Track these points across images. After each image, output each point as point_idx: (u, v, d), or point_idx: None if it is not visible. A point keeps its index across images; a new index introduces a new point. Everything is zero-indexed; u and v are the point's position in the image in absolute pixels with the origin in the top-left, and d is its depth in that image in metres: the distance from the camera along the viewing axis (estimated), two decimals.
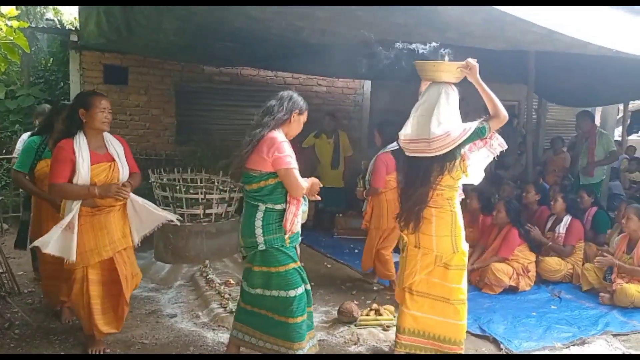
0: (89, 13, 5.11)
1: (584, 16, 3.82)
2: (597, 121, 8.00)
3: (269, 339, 3.01)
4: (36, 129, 4.13)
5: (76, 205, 3.08)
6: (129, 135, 7.47)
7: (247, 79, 8.14)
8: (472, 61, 3.05)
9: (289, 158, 2.87)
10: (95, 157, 3.14)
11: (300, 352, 2.92)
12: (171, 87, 7.65)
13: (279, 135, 2.92)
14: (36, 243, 3.08)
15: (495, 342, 3.64)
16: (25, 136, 4.32)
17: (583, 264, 5.01)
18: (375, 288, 4.82)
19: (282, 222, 2.92)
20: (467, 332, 3.75)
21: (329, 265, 5.53)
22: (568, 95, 7.68)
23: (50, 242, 3.03)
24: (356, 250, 5.94)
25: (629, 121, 11.30)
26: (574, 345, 3.63)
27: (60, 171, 3.05)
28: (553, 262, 4.99)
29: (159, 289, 4.57)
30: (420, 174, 3.08)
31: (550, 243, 5.12)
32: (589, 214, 5.60)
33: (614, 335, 3.82)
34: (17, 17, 3.55)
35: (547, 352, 3.51)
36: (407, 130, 3.12)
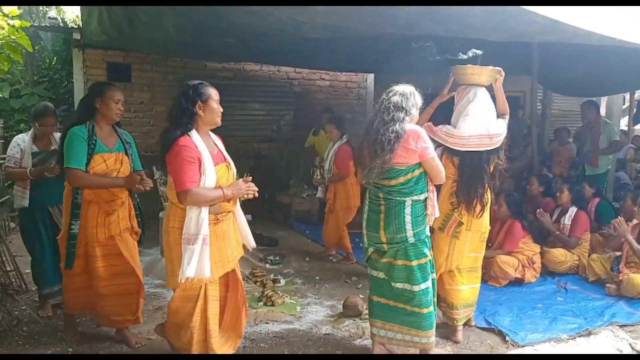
0: (91, 11, 5.11)
1: (587, 7, 3.79)
2: (603, 111, 7.94)
3: (408, 331, 3.14)
4: (75, 118, 3.29)
5: (204, 213, 2.68)
6: (134, 133, 7.43)
7: (250, 74, 8.14)
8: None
9: (432, 147, 3.04)
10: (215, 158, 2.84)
11: (432, 340, 3.14)
12: (175, 83, 7.66)
13: (418, 127, 3.07)
14: (183, 275, 2.62)
15: (500, 334, 3.64)
16: (20, 138, 3.91)
17: (589, 255, 4.99)
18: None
19: (425, 211, 3.09)
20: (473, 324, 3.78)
21: (334, 260, 5.53)
22: (573, 85, 7.61)
23: (190, 265, 2.62)
24: (361, 244, 5.92)
25: (634, 110, 11.23)
26: (580, 336, 3.62)
27: (193, 174, 2.63)
28: (558, 254, 4.98)
29: (164, 285, 4.58)
30: (481, 165, 3.46)
31: (557, 232, 5.09)
32: (592, 205, 5.59)
33: (621, 326, 3.81)
34: (19, 16, 3.56)
35: (552, 343, 3.51)
36: (467, 129, 3.40)
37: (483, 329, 3.72)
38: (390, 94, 3.08)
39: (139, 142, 7.45)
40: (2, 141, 6.79)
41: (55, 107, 7.86)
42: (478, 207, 3.46)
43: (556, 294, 4.53)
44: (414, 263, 3.04)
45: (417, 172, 3.02)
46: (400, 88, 3.11)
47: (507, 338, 3.57)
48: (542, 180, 5.89)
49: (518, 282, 4.72)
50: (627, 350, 3.41)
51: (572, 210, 5.14)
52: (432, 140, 3.37)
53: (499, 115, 3.56)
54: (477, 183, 3.43)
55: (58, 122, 4.10)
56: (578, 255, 5.04)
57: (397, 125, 2.94)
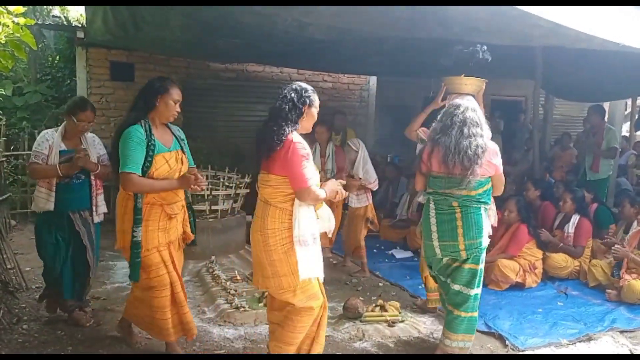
0: (96, 10, 5.12)
1: (590, 11, 3.79)
2: (605, 117, 7.93)
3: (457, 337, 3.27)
4: (132, 114, 3.03)
5: (313, 212, 2.74)
6: None
7: (252, 75, 8.15)
8: None
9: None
10: None
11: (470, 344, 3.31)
12: (178, 83, 7.64)
13: (494, 144, 3.29)
14: (310, 274, 2.69)
15: (500, 338, 3.64)
16: (49, 134, 3.48)
17: (590, 261, 4.99)
18: (380, 284, 4.82)
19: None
20: None
21: (334, 262, 5.53)
22: (575, 90, 7.62)
23: (309, 266, 2.68)
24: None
25: (636, 117, 11.21)
26: (580, 341, 3.61)
27: (309, 171, 2.66)
28: (560, 259, 4.97)
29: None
30: None
31: (562, 244, 5.09)
32: (591, 210, 5.58)
33: (621, 332, 3.80)
34: (23, 14, 3.56)
35: (552, 348, 3.50)
36: None
37: (483, 332, 3.72)
38: (462, 109, 3.21)
39: None
40: (5, 139, 6.80)
41: (57, 106, 7.96)
42: None
43: (557, 299, 4.53)
44: (479, 267, 3.25)
45: (491, 184, 3.29)
46: (469, 104, 3.26)
47: (507, 342, 3.56)
48: (538, 184, 5.88)
49: (519, 286, 4.72)
50: None
51: (575, 218, 5.13)
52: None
53: None
54: None
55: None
56: (579, 261, 5.03)
57: (480, 140, 3.12)
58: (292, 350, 2.83)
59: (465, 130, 3.13)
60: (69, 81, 8.17)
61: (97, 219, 3.73)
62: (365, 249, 5.20)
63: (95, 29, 5.49)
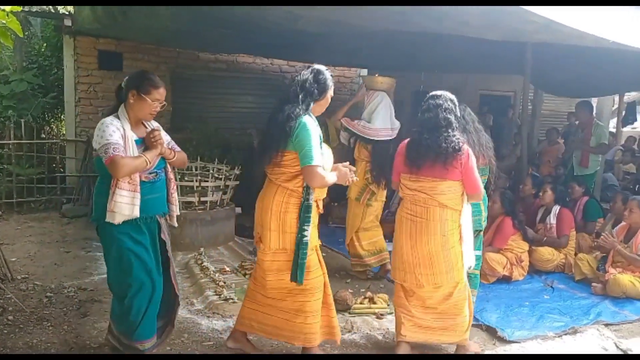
0: None
1: (581, 8, 3.81)
2: (593, 112, 8.02)
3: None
4: (301, 104, 2.85)
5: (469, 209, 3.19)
6: None
7: (243, 66, 8.09)
8: None
9: None
10: None
11: None
12: (166, 73, 7.59)
13: None
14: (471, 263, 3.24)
15: (488, 330, 3.67)
16: (116, 121, 2.72)
17: (576, 254, 5.05)
18: (369, 276, 4.84)
19: None
20: None
21: (323, 254, 5.50)
22: (564, 86, 7.68)
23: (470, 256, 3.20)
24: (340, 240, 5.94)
25: (623, 112, 11.33)
26: (566, 334, 3.65)
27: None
28: (546, 252, 5.02)
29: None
30: (391, 152, 3.89)
31: (546, 238, 5.14)
32: (580, 203, 5.65)
33: (606, 325, 3.85)
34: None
35: (539, 341, 3.54)
36: (378, 124, 4.53)
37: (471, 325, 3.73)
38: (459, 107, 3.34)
39: None
40: None
41: (44, 94, 7.85)
42: (384, 182, 4.51)
43: (543, 292, 4.57)
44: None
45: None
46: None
47: (498, 333, 3.58)
48: (535, 182, 5.92)
49: (506, 279, 4.76)
50: (612, 349, 3.46)
51: (556, 208, 5.18)
52: (350, 131, 4.59)
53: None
54: (385, 163, 4.16)
55: None
56: (565, 254, 5.09)
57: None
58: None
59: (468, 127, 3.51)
60: (55, 70, 8.06)
61: (175, 223, 3.10)
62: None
63: (83, 17, 5.43)
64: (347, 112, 4.71)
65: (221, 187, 5.20)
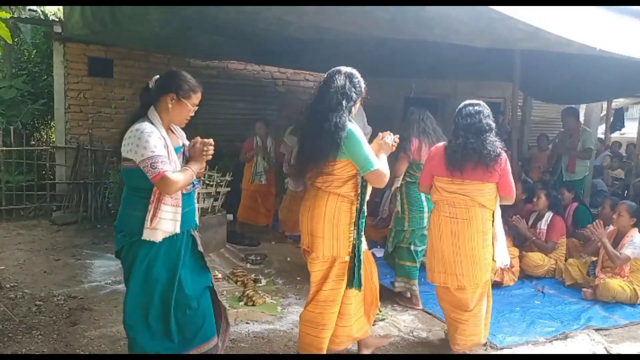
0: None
1: (569, 15, 3.86)
2: (581, 118, 8.10)
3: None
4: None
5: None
6: (114, 129, 7.39)
7: (234, 73, 8.10)
8: None
9: None
10: None
11: None
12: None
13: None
14: (501, 263, 3.45)
15: None
16: (149, 129, 2.44)
17: (566, 260, 5.08)
18: None
19: None
20: None
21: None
22: (552, 92, 7.76)
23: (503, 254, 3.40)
24: None
25: (611, 119, 11.48)
26: (556, 339, 3.67)
27: None
28: (536, 258, 5.05)
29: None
30: None
31: (534, 238, 5.18)
32: (570, 209, 5.69)
33: (596, 329, 3.87)
34: None
35: (530, 346, 3.55)
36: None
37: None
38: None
39: (119, 139, 7.38)
40: None
41: (34, 101, 7.80)
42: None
43: (534, 298, 4.60)
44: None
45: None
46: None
47: (486, 340, 3.59)
48: (526, 187, 5.96)
49: (497, 285, 4.76)
50: (602, 353, 3.48)
51: (549, 215, 5.23)
52: None
53: None
54: None
55: None
56: (555, 260, 5.12)
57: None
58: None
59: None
60: (45, 76, 8.01)
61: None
62: None
63: (72, 24, 5.40)
64: None
65: (212, 194, 5.18)
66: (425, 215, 4.11)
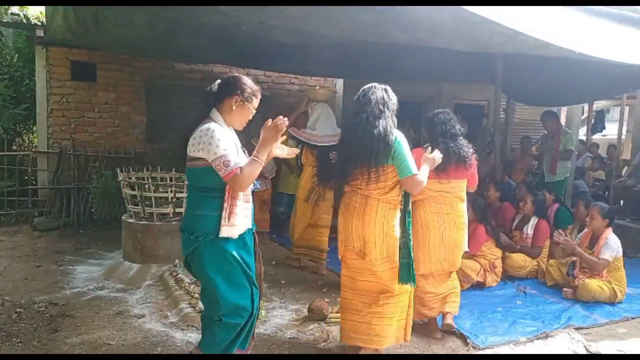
0: (56, 7, 4.99)
1: (549, 18, 3.93)
2: (563, 121, 8.22)
3: None
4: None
5: None
6: (97, 133, 7.36)
7: (218, 77, 8.00)
8: None
9: None
10: None
11: None
12: (141, 84, 7.54)
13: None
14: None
15: (462, 337, 3.70)
16: (219, 128, 2.53)
17: (548, 261, 5.14)
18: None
19: None
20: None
21: (300, 264, 5.53)
22: (534, 95, 7.85)
23: None
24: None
25: (592, 121, 11.65)
26: (537, 339, 3.71)
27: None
28: (519, 259, 5.11)
29: (127, 289, 4.50)
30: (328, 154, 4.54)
31: (519, 246, 5.24)
32: (551, 210, 5.76)
33: (576, 328, 3.92)
34: None
35: (512, 346, 3.59)
36: (321, 130, 5.00)
37: (445, 332, 3.77)
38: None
39: (103, 143, 7.34)
40: None
41: (16, 106, 7.71)
42: (330, 184, 4.45)
43: (516, 298, 4.65)
44: None
45: None
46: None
47: (468, 341, 3.63)
48: (498, 186, 6.04)
49: (479, 285, 4.83)
50: (582, 352, 3.53)
51: (534, 220, 5.29)
52: (297, 139, 5.05)
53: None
54: (329, 166, 4.31)
55: None
56: (537, 261, 5.18)
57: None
58: None
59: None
60: (28, 81, 7.92)
61: None
62: (268, 222, 6.43)
63: (55, 27, 5.35)
64: (292, 122, 5.21)
65: None
66: None
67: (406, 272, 3.09)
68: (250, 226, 2.65)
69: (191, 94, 7.81)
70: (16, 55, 8.36)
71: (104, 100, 7.36)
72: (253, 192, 2.72)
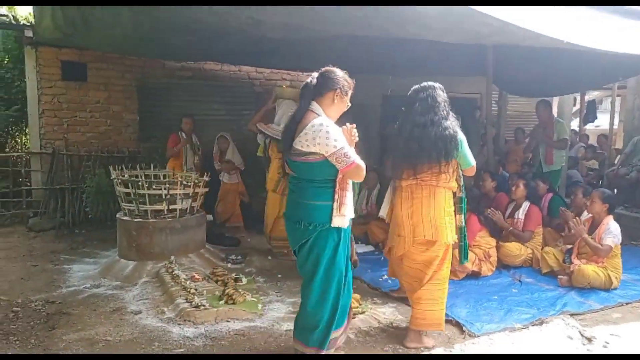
0: (44, 7, 4.97)
1: (538, 9, 3.94)
2: (554, 111, 8.25)
3: None
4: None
5: None
6: (90, 133, 7.34)
7: (210, 74, 8.07)
8: None
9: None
10: None
11: None
12: (132, 82, 7.52)
13: None
14: None
15: (457, 325, 3.73)
16: (330, 122, 2.72)
17: (542, 248, 5.18)
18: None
19: None
20: None
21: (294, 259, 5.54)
22: (526, 86, 7.89)
23: None
24: None
25: (584, 111, 11.71)
26: (533, 325, 3.74)
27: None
28: (513, 247, 5.14)
29: (123, 286, 4.50)
30: None
31: (511, 228, 5.27)
32: (545, 199, 5.80)
33: (571, 314, 3.96)
34: None
35: (507, 333, 3.62)
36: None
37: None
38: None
39: (96, 143, 7.32)
40: None
41: (7, 107, 7.68)
42: None
43: (511, 286, 4.68)
44: None
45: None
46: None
47: (464, 329, 3.66)
48: (494, 176, 6.07)
49: (475, 275, 4.85)
50: (577, 337, 3.55)
51: (526, 205, 5.32)
52: (264, 134, 5.39)
53: None
54: None
55: None
56: (532, 249, 5.22)
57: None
58: None
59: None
60: (18, 82, 7.89)
61: None
62: (241, 216, 6.86)
63: (44, 27, 5.34)
64: (260, 118, 5.61)
65: (190, 195, 5.17)
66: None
67: (465, 252, 3.62)
68: (353, 216, 2.82)
69: (182, 91, 7.83)
70: (6, 57, 8.32)
71: (95, 99, 7.34)
72: None
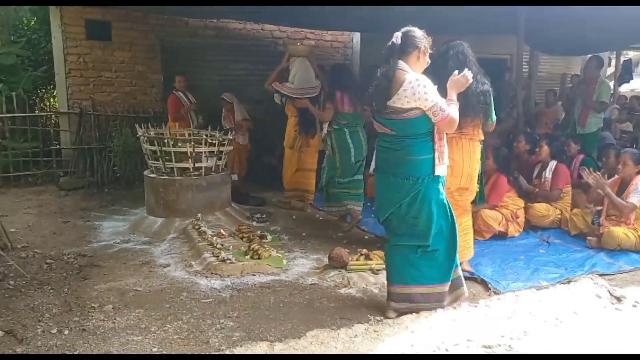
0: None
1: None
2: (601, 69, 7.79)
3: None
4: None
5: None
6: (115, 93, 7.39)
7: (233, 33, 7.97)
8: None
9: None
10: None
11: None
12: (156, 42, 7.49)
13: None
14: None
15: (483, 282, 3.71)
16: (425, 77, 2.92)
17: (571, 209, 5.07)
18: (366, 237, 4.88)
19: None
20: None
21: (320, 218, 5.57)
22: (559, 43, 7.58)
23: None
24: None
25: (619, 72, 11.25)
26: (560, 284, 3.70)
27: None
28: (542, 208, 5.05)
29: (152, 242, 4.60)
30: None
31: (537, 190, 5.17)
32: (577, 160, 5.64)
33: (600, 275, 3.89)
34: None
35: (533, 290, 3.58)
36: (299, 84, 5.55)
37: (466, 278, 3.74)
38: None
39: (121, 103, 7.37)
40: None
41: (35, 68, 7.76)
42: (312, 132, 5.67)
43: (539, 247, 4.62)
44: None
45: None
46: None
47: (489, 286, 3.64)
48: (529, 138, 5.90)
49: (502, 235, 4.80)
50: (606, 296, 3.49)
51: (552, 163, 5.19)
52: (280, 93, 5.63)
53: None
54: (310, 116, 5.52)
55: None
56: (561, 210, 5.12)
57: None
58: None
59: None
60: (45, 43, 7.95)
61: None
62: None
63: None
64: (275, 77, 5.65)
65: (215, 153, 5.19)
66: (352, 154, 5.01)
67: (482, 195, 3.97)
68: (448, 164, 3.03)
69: (205, 51, 7.76)
70: (33, 18, 8.37)
71: (120, 59, 7.35)
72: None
